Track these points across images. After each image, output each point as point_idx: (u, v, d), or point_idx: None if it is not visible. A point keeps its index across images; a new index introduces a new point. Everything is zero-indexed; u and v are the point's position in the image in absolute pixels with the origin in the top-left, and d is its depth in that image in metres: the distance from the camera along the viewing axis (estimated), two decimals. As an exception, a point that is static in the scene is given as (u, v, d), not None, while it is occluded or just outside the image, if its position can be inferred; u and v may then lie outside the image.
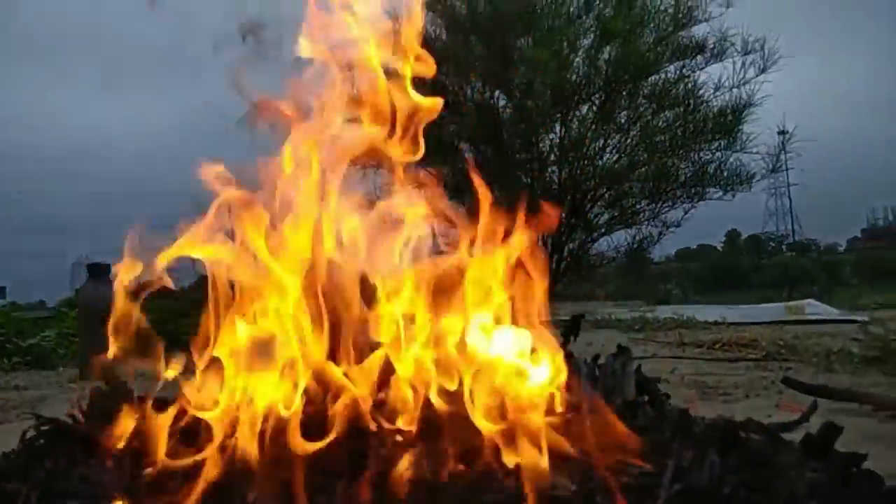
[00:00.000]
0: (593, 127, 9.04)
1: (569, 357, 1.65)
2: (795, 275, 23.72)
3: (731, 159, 8.47)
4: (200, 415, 1.31)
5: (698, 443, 1.24)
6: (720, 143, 8.87)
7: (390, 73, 1.58)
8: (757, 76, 7.33)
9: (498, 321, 1.36)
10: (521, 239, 1.38)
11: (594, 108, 9.16)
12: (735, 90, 7.67)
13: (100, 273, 4.47)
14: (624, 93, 8.77)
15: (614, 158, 9.34)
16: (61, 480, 1.25)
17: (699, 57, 7.66)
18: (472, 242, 1.40)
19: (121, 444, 1.32)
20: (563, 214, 12.76)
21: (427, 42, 1.61)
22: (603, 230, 11.34)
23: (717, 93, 8.95)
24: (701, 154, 9.07)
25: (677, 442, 1.19)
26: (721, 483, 1.01)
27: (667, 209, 9.85)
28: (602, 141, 9.38)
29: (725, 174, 8.64)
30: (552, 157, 9.54)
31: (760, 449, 1.27)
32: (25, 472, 1.28)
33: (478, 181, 1.43)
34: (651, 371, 3.62)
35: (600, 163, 9.23)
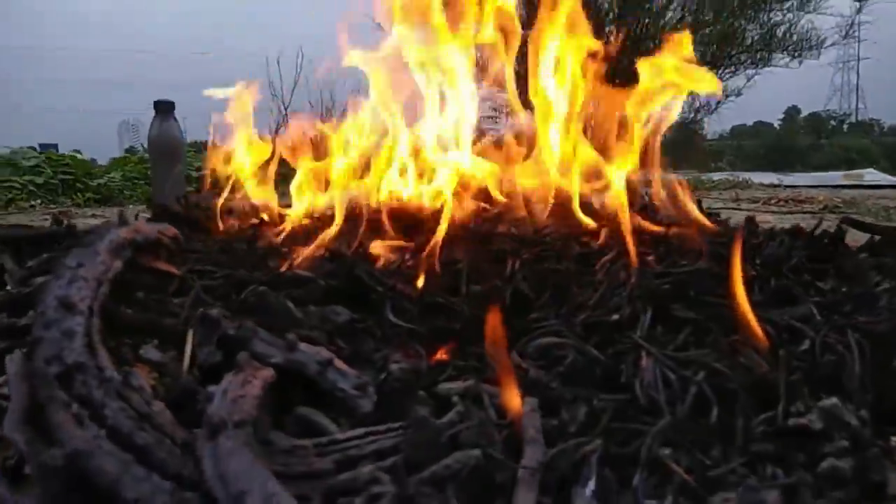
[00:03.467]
0: (658, -20, 8.46)
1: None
2: (854, 156, 22.76)
3: (803, 21, 7.93)
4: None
5: (768, 235, 1.35)
6: (792, 3, 8.28)
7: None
8: (841, -76, 6.72)
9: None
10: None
11: (660, -42, 8.55)
12: (815, -59, 7.07)
13: (167, 110, 4.58)
14: (694, -59, 8.15)
15: (678, 17, 8.83)
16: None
17: None
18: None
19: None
20: (617, 79, 12.27)
21: None
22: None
23: (796, -56, 8.25)
24: (770, 14, 8.51)
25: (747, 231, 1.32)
26: (790, 256, 1.11)
27: (728, 76, 9.39)
28: (666, -4, 8.78)
29: (794, 38, 8.14)
30: (610, 15, 9.06)
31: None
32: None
33: None
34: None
35: (663, 21, 8.75)
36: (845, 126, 40.45)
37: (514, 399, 0.68)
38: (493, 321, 0.71)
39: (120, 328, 0.80)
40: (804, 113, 43.48)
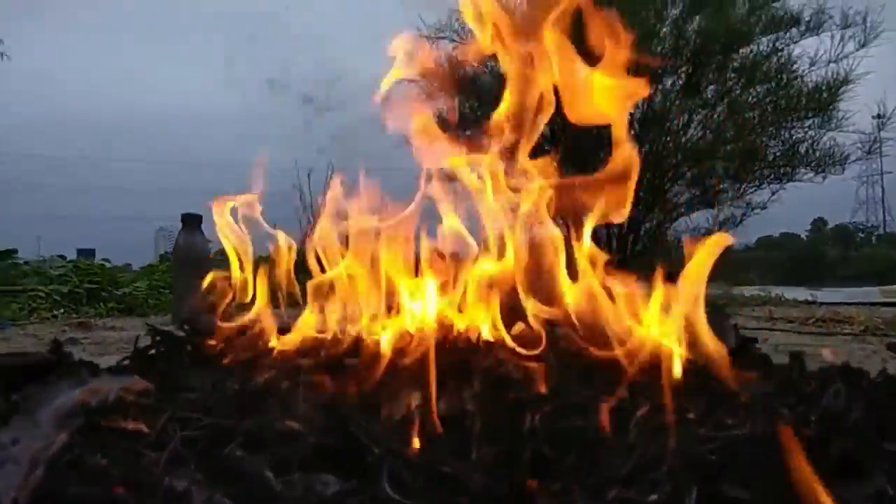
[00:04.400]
0: (678, 101, 8.67)
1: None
2: (885, 268, 22.35)
3: (825, 138, 7.99)
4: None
5: (820, 378, 1.21)
6: (813, 122, 8.42)
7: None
8: (857, 50, 6.85)
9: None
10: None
11: (680, 80, 8.79)
12: (832, 65, 7.18)
13: (193, 223, 4.56)
14: (712, 65, 8.40)
15: (699, 135, 8.97)
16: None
17: (794, 30, 7.23)
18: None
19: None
20: (641, 192, 12.47)
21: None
22: (683, 210, 10.96)
23: (813, 68, 8.44)
24: (792, 132, 8.63)
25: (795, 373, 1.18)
26: (850, 408, 0.96)
27: (752, 190, 9.39)
28: (687, 116, 9.01)
29: (817, 154, 8.19)
30: (632, 132, 9.26)
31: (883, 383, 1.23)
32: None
33: None
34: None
35: (684, 139, 8.88)
36: (874, 238, 40.21)
37: None
38: None
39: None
40: (831, 224, 43.45)
